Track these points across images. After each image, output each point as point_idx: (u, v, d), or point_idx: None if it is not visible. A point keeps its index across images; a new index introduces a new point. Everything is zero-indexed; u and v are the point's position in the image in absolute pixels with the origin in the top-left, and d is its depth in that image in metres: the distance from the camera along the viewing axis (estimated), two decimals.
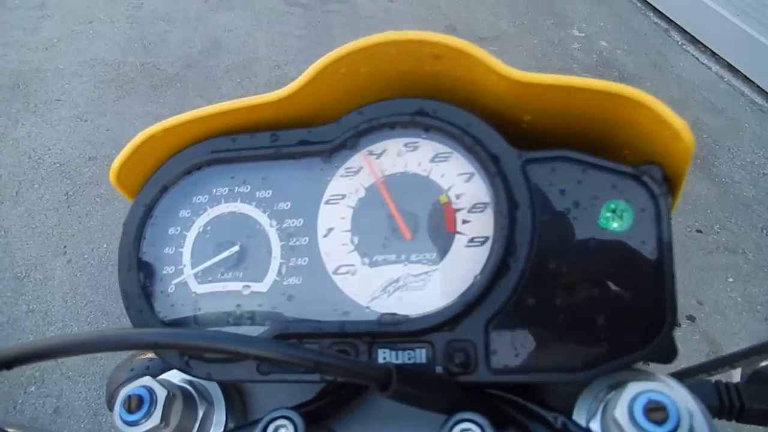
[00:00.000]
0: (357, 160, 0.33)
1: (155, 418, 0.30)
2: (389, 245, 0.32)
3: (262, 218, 0.33)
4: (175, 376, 0.35)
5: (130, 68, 2.20)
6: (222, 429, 0.34)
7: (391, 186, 0.32)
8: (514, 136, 0.32)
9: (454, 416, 0.28)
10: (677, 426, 0.25)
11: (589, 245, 0.30)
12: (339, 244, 0.32)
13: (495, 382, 0.30)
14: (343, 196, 0.33)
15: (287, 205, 0.33)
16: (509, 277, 0.30)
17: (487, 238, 0.31)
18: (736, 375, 0.47)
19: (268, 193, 0.33)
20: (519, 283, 0.30)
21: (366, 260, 0.32)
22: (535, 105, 0.31)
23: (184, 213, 0.34)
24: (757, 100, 2.33)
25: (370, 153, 0.33)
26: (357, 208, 0.33)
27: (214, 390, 0.35)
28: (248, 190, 0.34)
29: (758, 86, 2.34)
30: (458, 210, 0.31)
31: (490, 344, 0.30)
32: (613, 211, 0.30)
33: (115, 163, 0.33)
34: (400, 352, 0.31)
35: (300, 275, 0.33)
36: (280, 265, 0.33)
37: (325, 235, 0.33)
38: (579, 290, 0.29)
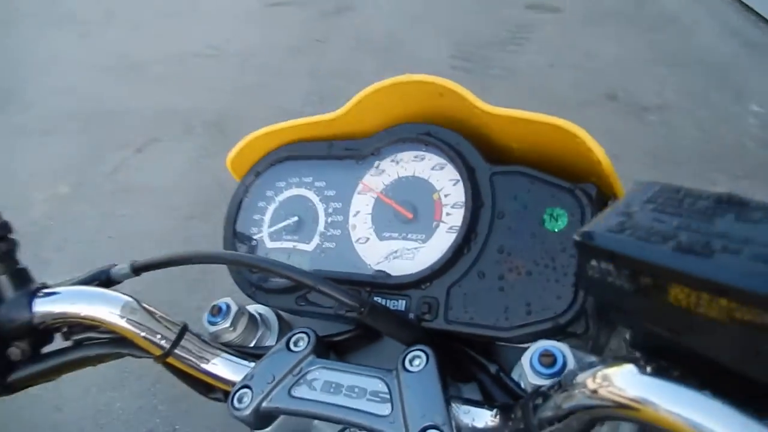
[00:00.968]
0: (381, 164, 0.46)
1: (226, 322, 0.45)
2: (394, 226, 0.44)
3: (316, 200, 0.48)
4: (250, 307, 0.50)
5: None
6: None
7: (401, 185, 0.45)
8: (504, 159, 0.43)
9: (410, 347, 0.39)
10: (562, 368, 0.34)
11: (532, 238, 0.39)
12: (362, 222, 0.46)
13: (447, 330, 0.40)
14: (370, 189, 0.46)
15: (333, 193, 0.47)
16: (469, 255, 0.40)
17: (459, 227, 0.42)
18: None
19: (323, 183, 0.48)
20: (476, 260, 0.40)
21: (378, 235, 0.45)
22: (513, 134, 0.42)
23: (269, 192, 0.50)
24: None
25: (392, 161, 0.46)
26: (377, 198, 0.46)
27: (272, 319, 0.49)
28: (310, 180, 0.48)
29: None
30: (444, 205, 0.43)
31: (449, 302, 0.40)
32: (552, 215, 0.39)
33: (231, 153, 0.50)
34: (387, 300, 0.42)
35: (334, 241, 0.46)
36: (322, 233, 0.47)
37: (354, 215, 0.46)
38: (519, 270, 0.39)
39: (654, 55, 2.96)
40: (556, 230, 0.39)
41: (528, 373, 0.35)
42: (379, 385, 0.36)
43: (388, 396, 0.35)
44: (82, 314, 0.40)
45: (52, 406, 1.43)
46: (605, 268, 0.23)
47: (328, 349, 0.43)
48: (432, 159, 0.45)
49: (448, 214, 0.43)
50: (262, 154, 0.50)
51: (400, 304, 0.42)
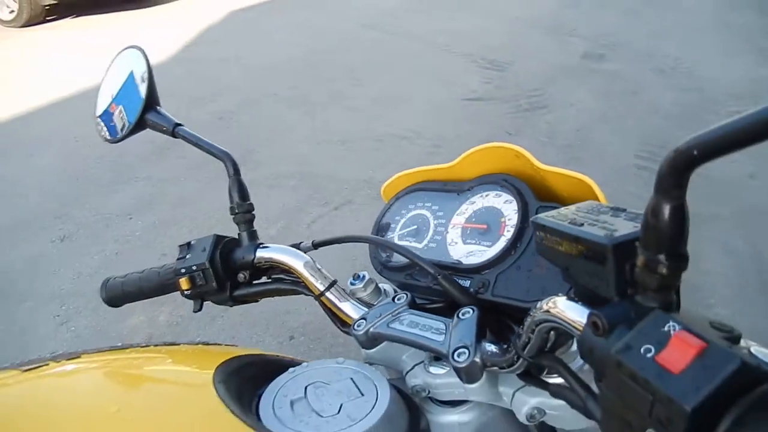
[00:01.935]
0: (473, 198, 0.68)
1: (360, 284, 0.67)
2: (474, 236, 0.65)
3: (430, 217, 0.70)
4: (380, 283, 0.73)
5: None
6: None
7: (483, 210, 0.66)
8: (550, 198, 0.62)
9: (465, 306, 0.58)
10: None
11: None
12: (455, 233, 0.67)
13: (492, 300, 0.58)
14: (463, 213, 0.68)
15: (441, 213, 0.69)
16: (513, 256, 0.59)
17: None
18: None
19: (436, 207, 0.70)
20: (517, 259, 0.58)
21: (463, 241, 0.65)
22: (556, 182, 0.61)
23: (402, 210, 0.73)
24: None
25: (480, 196, 0.67)
26: (467, 219, 0.67)
27: (390, 291, 0.71)
28: (429, 205, 0.71)
29: None
30: (506, 225, 0.62)
31: (496, 283, 0.59)
32: None
33: (383, 185, 0.75)
34: (459, 279, 0.62)
35: (435, 243, 0.67)
36: (429, 237, 0.68)
37: (452, 228, 0.67)
38: (542, 267, 0.56)
39: None
40: None
41: None
42: (441, 326, 0.56)
43: (444, 332, 0.55)
44: (281, 262, 0.66)
45: None
46: (541, 236, 0.43)
47: (416, 306, 0.63)
48: (504, 196, 0.64)
49: (507, 230, 0.62)
50: (402, 186, 0.75)
51: (466, 282, 0.61)
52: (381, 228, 0.73)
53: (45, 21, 6.32)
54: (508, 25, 5.81)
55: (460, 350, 0.50)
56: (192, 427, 0.46)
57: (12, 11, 6.11)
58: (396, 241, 0.70)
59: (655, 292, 0.33)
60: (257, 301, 0.70)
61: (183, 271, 0.65)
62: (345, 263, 2.11)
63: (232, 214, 0.69)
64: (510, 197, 0.63)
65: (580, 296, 0.40)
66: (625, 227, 0.36)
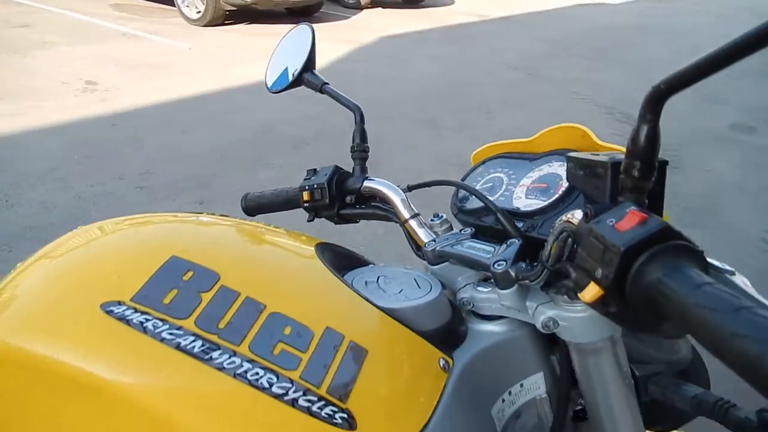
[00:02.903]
0: (542, 165, 0.77)
1: (438, 221, 0.77)
2: (535, 193, 0.74)
3: (504, 178, 0.80)
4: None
5: None
6: None
7: (548, 175, 0.75)
8: None
9: (513, 238, 0.67)
10: None
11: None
12: (521, 191, 0.76)
13: (536, 237, 0.66)
14: (530, 176, 0.77)
15: (514, 176, 0.79)
16: (561, 207, 0.67)
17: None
18: None
19: (511, 172, 0.80)
20: (561, 210, 0.67)
21: (526, 196, 0.75)
22: None
23: (484, 172, 0.84)
24: None
25: (548, 164, 0.76)
26: (533, 181, 0.76)
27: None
28: (506, 170, 0.81)
29: None
30: (562, 187, 0.71)
31: (543, 225, 0.65)
32: None
33: (474, 153, 0.87)
34: (516, 221, 0.71)
35: (504, 198, 0.77)
36: (501, 193, 0.78)
37: (519, 187, 0.77)
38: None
39: None
40: None
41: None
42: (491, 249, 0.65)
43: (493, 252, 0.65)
44: (381, 192, 0.79)
45: None
46: (570, 166, 0.53)
47: (477, 237, 0.73)
48: (564, 165, 0.74)
49: (561, 190, 0.71)
50: (488, 155, 0.86)
51: (520, 224, 0.70)
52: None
53: (223, 24, 7.17)
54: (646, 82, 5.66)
55: (499, 262, 0.60)
56: (309, 286, 0.58)
57: (199, 12, 7.02)
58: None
59: (630, 192, 0.44)
60: (357, 221, 0.85)
61: (306, 187, 0.83)
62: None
63: (351, 152, 0.85)
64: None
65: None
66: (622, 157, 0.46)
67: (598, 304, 0.42)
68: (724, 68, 0.36)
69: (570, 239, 0.53)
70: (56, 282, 0.50)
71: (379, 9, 9.32)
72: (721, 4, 10.92)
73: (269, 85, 0.96)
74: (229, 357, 0.45)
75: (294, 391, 0.45)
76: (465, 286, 0.67)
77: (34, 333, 0.45)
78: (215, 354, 0.45)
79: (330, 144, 3.75)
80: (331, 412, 0.45)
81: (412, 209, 0.77)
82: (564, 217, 0.52)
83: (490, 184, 0.81)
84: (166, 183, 3.17)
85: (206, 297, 0.48)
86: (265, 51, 5.67)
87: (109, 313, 0.45)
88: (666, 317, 0.37)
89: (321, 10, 8.34)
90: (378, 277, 0.64)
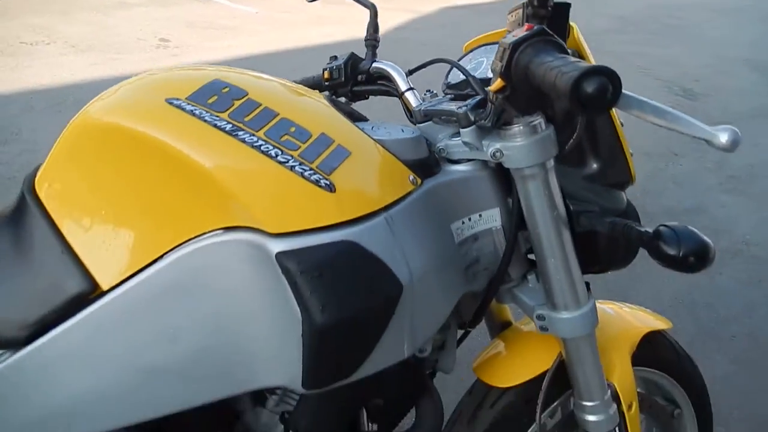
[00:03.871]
0: None
1: (429, 94, 0.94)
2: None
3: (484, 60, 0.94)
4: None
5: None
6: None
7: None
8: None
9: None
10: None
11: None
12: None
13: None
14: None
15: (492, 57, 0.94)
16: None
17: None
18: None
19: (490, 54, 0.94)
20: None
21: None
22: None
23: (471, 59, 0.96)
24: None
25: None
26: None
27: None
28: (486, 54, 0.96)
29: None
30: None
31: None
32: None
33: (465, 44, 1.01)
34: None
35: (483, 73, 0.92)
36: (482, 69, 0.91)
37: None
38: None
39: None
40: None
41: None
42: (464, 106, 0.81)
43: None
44: (386, 71, 0.93)
45: None
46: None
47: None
48: None
49: None
50: (475, 45, 0.98)
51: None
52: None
53: None
54: (711, 59, 5.52)
55: (462, 107, 0.75)
56: (314, 108, 0.74)
57: None
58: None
59: (532, 17, 0.59)
60: (366, 98, 1.02)
61: (327, 68, 1.01)
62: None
63: (365, 41, 1.02)
64: None
65: None
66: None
67: (499, 94, 0.58)
68: None
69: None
70: (139, 88, 0.72)
71: None
72: None
73: None
74: (250, 136, 0.64)
75: (293, 161, 0.63)
76: (442, 140, 0.82)
77: (124, 114, 0.68)
78: (240, 133, 0.64)
79: None
80: (318, 179, 0.63)
81: (408, 84, 0.92)
82: (505, 40, 0.67)
83: (474, 65, 0.95)
84: None
85: (237, 103, 0.67)
86: (326, 18, 5.89)
87: (171, 103, 0.66)
88: (539, 91, 0.53)
89: None
90: (372, 126, 0.81)
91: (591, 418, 0.86)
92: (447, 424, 0.90)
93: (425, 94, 0.92)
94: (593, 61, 0.80)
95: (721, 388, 1.59)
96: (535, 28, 0.57)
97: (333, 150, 0.67)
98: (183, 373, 0.67)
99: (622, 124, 0.83)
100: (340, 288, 0.60)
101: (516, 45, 0.56)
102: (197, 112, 0.65)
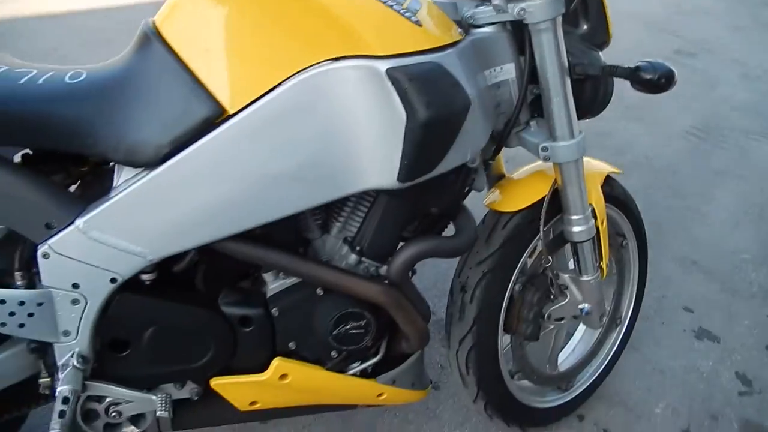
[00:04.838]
0: None
1: None
2: None
3: None
4: None
5: None
6: None
7: None
8: None
9: None
10: None
11: None
12: None
13: None
14: None
15: None
16: None
17: None
18: None
19: None
20: None
21: None
22: None
23: None
24: None
25: None
26: None
27: None
28: None
29: None
30: None
31: None
32: None
33: None
34: None
35: None
36: None
37: None
38: None
39: None
40: None
41: None
42: None
43: None
44: None
45: None
46: None
47: None
48: None
49: None
50: None
51: None
52: None
53: None
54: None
55: None
56: None
57: None
58: None
59: None
60: None
61: None
62: None
63: None
64: None
65: None
66: None
67: None
68: None
69: None
70: None
71: None
72: None
73: None
74: None
75: (390, 1, 0.83)
76: (469, 9, 1.04)
77: None
78: None
79: None
80: (409, 16, 0.84)
81: None
82: None
83: None
84: None
85: None
86: None
87: None
88: None
89: None
90: None
91: (576, 229, 1.15)
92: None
93: None
94: None
95: None
96: None
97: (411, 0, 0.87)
98: (300, 179, 0.86)
99: None
100: (434, 94, 0.82)
101: None
102: None
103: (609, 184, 1.28)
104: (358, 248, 0.99)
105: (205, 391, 1.03)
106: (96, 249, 0.84)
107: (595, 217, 1.17)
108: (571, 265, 1.24)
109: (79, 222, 0.83)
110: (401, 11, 0.83)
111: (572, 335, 1.48)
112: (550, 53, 0.99)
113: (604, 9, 1.08)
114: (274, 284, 0.99)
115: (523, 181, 1.19)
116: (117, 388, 0.96)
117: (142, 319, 0.92)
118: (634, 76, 0.96)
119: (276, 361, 1.00)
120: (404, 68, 0.81)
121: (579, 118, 1.14)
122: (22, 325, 0.86)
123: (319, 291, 0.99)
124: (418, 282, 1.07)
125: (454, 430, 1.40)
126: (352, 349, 1.03)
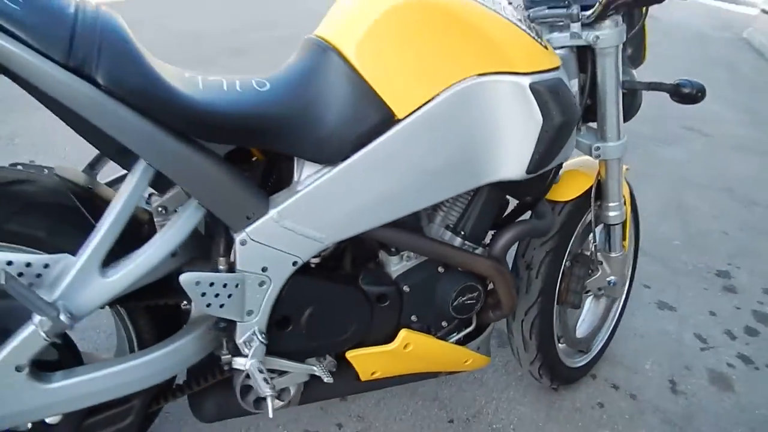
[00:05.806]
0: None
1: None
2: None
3: None
4: None
5: None
6: None
7: None
8: None
9: None
10: None
11: None
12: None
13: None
14: None
15: None
16: None
17: None
18: None
19: None
20: None
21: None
22: None
23: None
24: None
25: None
26: None
27: None
28: None
29: None
30: None
31: None
32: None
33: None
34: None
35: None
36: None
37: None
38: None
39: None
40: None
41: None
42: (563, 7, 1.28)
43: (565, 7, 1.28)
44: None
45: None
46: None
47: None
48: None
49: None
50: None
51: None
52: None
53: None
54: None
55: (573, 10, 1.21)
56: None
57: None
58: None
59: None
60: None
61: None
62: None
63: None
64: None
65: None
66: None
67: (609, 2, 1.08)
68: None
69: None
70: None
71: None
72: None
73: None
74: (506, 16, 1.04)
75: (526, 29, 1.04)
76: (545, 34, 1.27)
77: None
78: (500, 13, 1.03)
79: None
80: (539, 41, 1.05)
81: None
82: None
83: None
84: None
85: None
86: None
87: None
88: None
89: None
90: None
91: (612, 213, 1.42)
92: None
93: (509, 3, 1.35)
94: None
95: None
96: None
97: (536, 28, 1.09)
98: (449, 173, 1.04)
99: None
100: (563, 103, 1.04)
101: None
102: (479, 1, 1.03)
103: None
104: (462, 233, 1.18)
105: (337, 364, 1.16)
106: (285, 236, 0.96)
107: (624, 204, 1.45)
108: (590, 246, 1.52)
109: (273, 212, 0.95)
110: (534, 36, 1.05)
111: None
112: (611, 72, 1.25)
113: (644, 38, 1.36)
114: (398, 265, 1.15)
115: (569, 175, 1.44)
116: (288, 362, 1.07)
117: (307, 298, 1.05)
118: (676, 90, 1.24)
119: (403, 332, 1.16)
120: (542, 83, 1.02)
121: None
122: (222, 306, 0.95)
123: (441, 269, 1.17)
124: None
125: (501, 393, 1.61)
126: (464, 318, 1.22)
